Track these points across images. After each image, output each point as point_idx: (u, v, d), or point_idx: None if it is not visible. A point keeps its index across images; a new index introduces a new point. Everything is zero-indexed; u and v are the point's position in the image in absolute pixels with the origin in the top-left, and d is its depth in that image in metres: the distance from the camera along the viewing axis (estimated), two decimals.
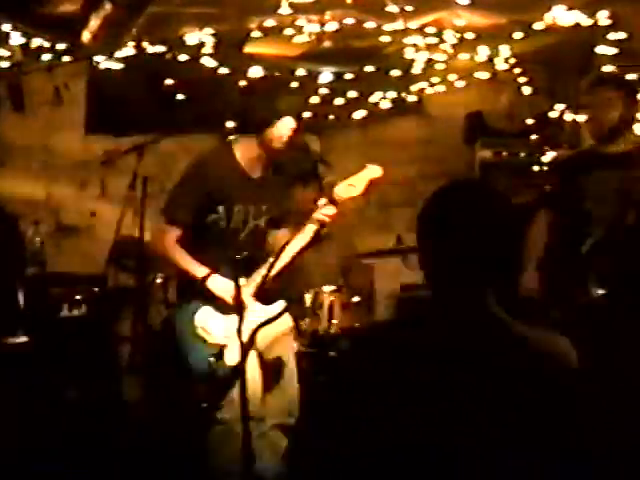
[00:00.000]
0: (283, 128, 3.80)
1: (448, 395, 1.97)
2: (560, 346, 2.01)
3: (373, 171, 4.02)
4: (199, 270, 3.77)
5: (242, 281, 3.74)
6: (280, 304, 3.81)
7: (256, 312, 3.74)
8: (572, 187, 4.35)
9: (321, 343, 4.79)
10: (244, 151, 3.86)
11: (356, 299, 5.02)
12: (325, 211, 3.85)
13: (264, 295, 3.82)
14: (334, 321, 4.86)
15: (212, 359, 3.73)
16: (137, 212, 4.39)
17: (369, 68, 5.91)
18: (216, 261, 3.76)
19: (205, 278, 3.75)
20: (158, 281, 4.86)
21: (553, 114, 6.02)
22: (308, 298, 4.88)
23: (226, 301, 3.74)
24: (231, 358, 3.73)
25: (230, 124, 4.20)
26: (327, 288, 4.94)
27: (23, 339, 4.42)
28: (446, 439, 1.96)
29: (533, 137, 6.11)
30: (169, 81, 5.68)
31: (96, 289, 4.99)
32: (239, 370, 3.48)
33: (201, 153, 3.94)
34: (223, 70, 5.60)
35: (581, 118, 5.26)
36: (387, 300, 5.78)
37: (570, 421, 1.97)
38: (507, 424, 1.94)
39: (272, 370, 3.89)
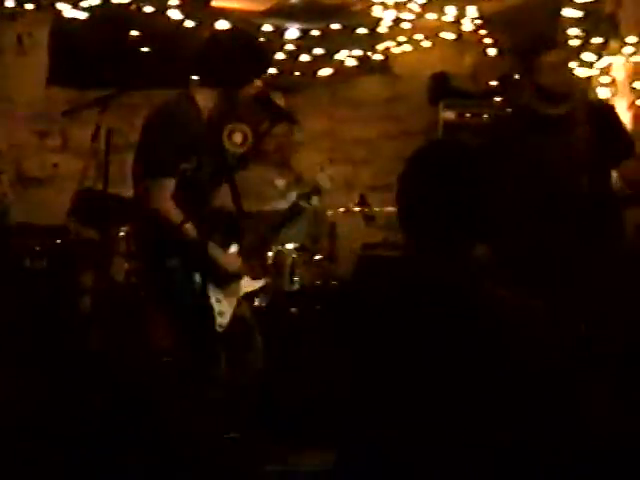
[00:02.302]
0: (252, 87, 3.84)
1: (408, 352, 2.01)
2: (534, 308, 2.05)
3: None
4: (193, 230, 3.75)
5: (234, 248, 3.88)
6: (262, 281, 4.04)
7: (246, 281, 3.92)
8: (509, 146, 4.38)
9: (283, 300, 4.83)
10: (205, 101, 3.87)
11: (318, 257, 5.06)
12: (313, 202, 4.01)
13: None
14: (296, 279, 4.89)
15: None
16: (100, 165, 4.36)
17: (336, 25, 5.89)
18: (185, 214, 3.77)
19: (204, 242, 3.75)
20: (121, 234, 4.85)
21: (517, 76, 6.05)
22: (271, 256, 4.91)
23: (222, 266, 3.82)
24: (220, 322, 3.81)
25: (195, 78, 4.19)
26: (290, 246, 4.96)
27: None
28: (407, 393, 2.00)
29: (497, 99, 6.14)
30: (134, 33, 5.62)
31: (58, 241, 4.97)
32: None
33: (163, 102, 3.94)
34: (189, 23, 5.55)
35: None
36: (349, 258, 5.81)
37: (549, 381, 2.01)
38: (476, 383, 1.98)
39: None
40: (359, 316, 2.09)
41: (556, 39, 4.79)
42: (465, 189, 2.06)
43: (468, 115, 6.09)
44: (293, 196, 4.05)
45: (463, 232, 2.07)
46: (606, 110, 4.56)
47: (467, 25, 5.92)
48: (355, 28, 5.93)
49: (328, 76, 6.24)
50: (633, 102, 5.21)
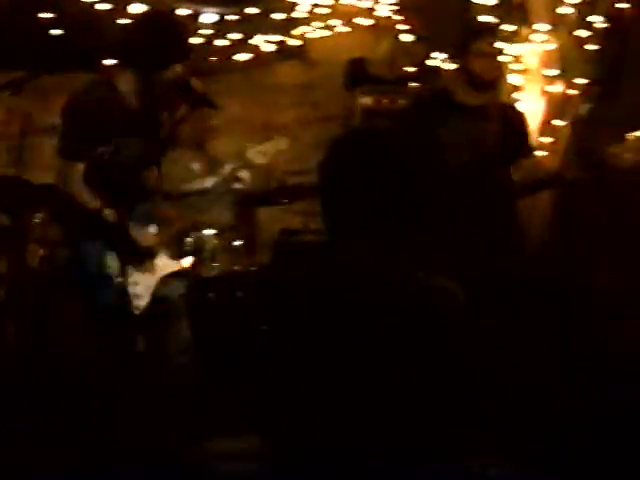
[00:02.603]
0: (172, 71, 3.83)
1: (328, 334, 2.03)
2: (448, 285, 2.09)
3: (280, 142, 4.14)
4: (111, 214, 3.74)
5: (153, 229, 3.84)
6: (190, 260, 4.04)
7: (164, 263, 3.90)
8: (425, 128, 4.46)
9: (202, 285, 4.80)
10: (126, 85, 3.85)
11: (238, 243, 5.04)
12: (242, 175, 3.98)
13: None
14: (215, 264, 4.87)
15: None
16: (10, 149, 4.28)
17: (252, 10, 5.86)
18: (105, 197, 3.76)
19: (119, 223, 3.74)
20: (36, 221, 4.77)
21: (432, 62, 6.11)
22: (190, 240, 4.87)
23: (137, 248, 3.78)
24: (137, 305, 3.76)
25: (109, 62, 4.14)
26: (209, 231, 4.93)
27: None
28: (329, 380, 2.02)
29: (413, 85, 6.19)
30: (47, 15, 5.51)
31: None
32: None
33: (81, 86, 3.91)
34: (102, 6, 5.46)
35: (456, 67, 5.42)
36: (269, 244, 5.82)
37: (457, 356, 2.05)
38: (398, 369, 2.01)
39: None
40: (279, 302, 2.10)
41: (492, 27, 4.90)
42: (384, 176, 2.08)
43: (385, 101, 6.13)
44: (215, 178, 4.04)
45: (383, 219, 2.09)
46: (517, 112, 4.71)
47: (383, 11, 5.96)
48: (271, 13, 5.91)
49: (244, 61, 6.21)
50: (544, 89, 5.32)
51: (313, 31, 6.14)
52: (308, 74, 6.52)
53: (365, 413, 2.00)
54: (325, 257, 2.13)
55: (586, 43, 5.13)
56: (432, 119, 4.48)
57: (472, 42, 4.51)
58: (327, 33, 6.13)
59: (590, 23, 5.09)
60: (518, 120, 4.65)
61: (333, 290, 2.06)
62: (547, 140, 5.16)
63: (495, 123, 4.46)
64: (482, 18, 5.38)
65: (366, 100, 6.15)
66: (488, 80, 4.49)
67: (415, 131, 4.39)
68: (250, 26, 6.03)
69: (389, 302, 2.02)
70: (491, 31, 4.77)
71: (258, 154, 4.05)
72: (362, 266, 2.06)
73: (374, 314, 2.02)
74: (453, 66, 5.75)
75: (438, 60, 6.04)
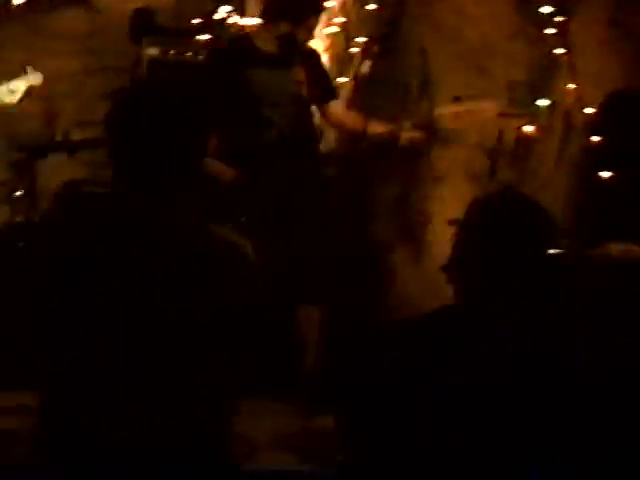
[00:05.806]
0: None
1: (117, 290, 2.06)
2: (243, 246, 2.15)
3: (34, 78, 3.99)
4: None
5: None
6: None
7: None
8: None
9: None
10: None
11: (19, 193, 4.92)
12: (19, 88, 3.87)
13: None
14: None
15: None
16: None
17: None
18: None
19: None
20: None
21: (218, 16, 6.11)
22: None
23: None
24: None
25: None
26: None
27: None
28: (113, 329, 2.06)
29: (200, 37, 6.18)
30: None
31: None
32: None
33: None
34: None
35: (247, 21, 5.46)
36: (51, 195, 5.68)
37: None
38: (186, 320, 2.06)
39: None
40: (60, 252, 2.10)
41: None
42: (171, 128, 2.12)
43: (172, 52, 6.09)
44: None
45: (172, 170, 2.13)
46: (314, 54, 4.75)
47: None
48: None
49: (23, 6, 5.99)
50: (327, 46, 5.44)
51: None
52: (93, 22, 6.38)
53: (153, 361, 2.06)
54: (110, 207, 2.15)
55: (366, 3, 5.27)
56: (233, 69, 4.46)
57: None
58: None
59: None
60: (318, 63, 4.72)
61: (120, 241, 2.08)
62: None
63: (299, 69, 4.49)
64: None
65: (153, 50, 6.10)
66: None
67: (211, 83, 4.40)
68: None
69: (177, 253, 2.06)
70: None
71: (8, 92, 3.88)
72: (149, 217, 2.09)
73: (163, 264, 2.05)
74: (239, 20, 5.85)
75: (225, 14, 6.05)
